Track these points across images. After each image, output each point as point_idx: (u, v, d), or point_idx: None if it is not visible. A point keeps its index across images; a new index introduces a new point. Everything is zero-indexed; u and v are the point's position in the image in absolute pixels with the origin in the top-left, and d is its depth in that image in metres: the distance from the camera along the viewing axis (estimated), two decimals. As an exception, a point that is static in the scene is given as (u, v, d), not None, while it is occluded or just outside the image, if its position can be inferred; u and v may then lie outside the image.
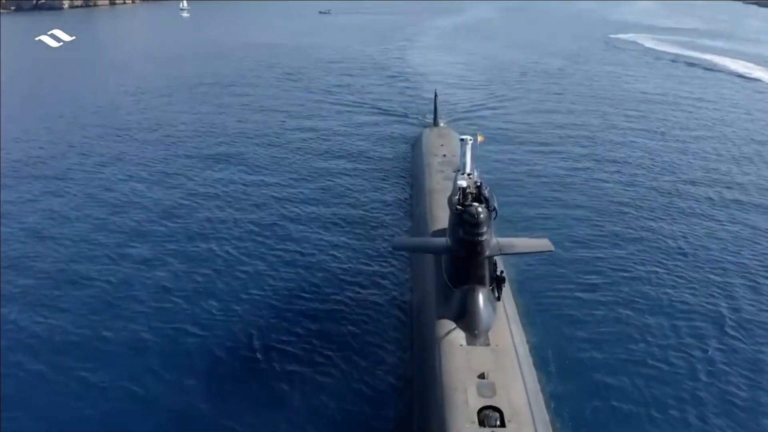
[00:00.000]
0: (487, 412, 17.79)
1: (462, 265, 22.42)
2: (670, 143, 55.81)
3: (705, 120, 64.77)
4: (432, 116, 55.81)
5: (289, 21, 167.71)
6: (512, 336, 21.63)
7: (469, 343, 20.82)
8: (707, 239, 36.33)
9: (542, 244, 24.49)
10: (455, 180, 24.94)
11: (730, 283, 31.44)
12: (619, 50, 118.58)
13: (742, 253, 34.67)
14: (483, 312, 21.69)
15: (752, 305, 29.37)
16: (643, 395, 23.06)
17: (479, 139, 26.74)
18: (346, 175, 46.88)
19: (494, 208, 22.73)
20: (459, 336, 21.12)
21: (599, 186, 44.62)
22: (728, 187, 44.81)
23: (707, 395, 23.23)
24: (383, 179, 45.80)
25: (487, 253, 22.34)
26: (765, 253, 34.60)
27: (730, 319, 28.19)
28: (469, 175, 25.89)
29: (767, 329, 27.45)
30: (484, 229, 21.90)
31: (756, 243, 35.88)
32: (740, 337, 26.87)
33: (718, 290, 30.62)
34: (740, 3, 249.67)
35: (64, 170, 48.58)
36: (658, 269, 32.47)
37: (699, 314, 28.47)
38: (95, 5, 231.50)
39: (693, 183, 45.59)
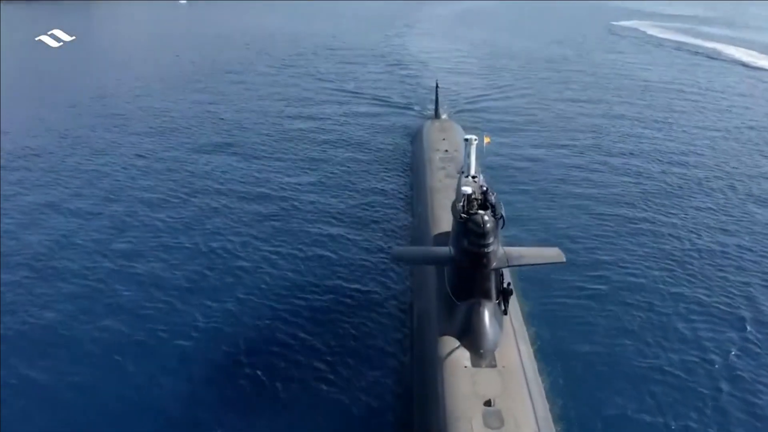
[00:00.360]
0: (494, 445, 16.29)
1: (466, 277, 20.71)
2: (678, 134, 54.47)
3: (712, 110, 63.22)
4: (433, 107, 54.05)
5: (289, 6, 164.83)
6: (520, 355, 20.04)
7: (474, 363, 19.24)
8: (722, 235, 34.93)
9: (553, 254, 22.43)
10: (458, 184, 22.92)
11: (748, 282, 29.98)
12: (621, 38, 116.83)
13: (754, 250, 33.25)
14: (489, 329, 20.06)
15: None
16: (665, 419, 21.21)
17: (486, 140, 24.68)
18: (345, 166, 45.62)
19: (501, 216, 20.88)
20: (463, 356, 19.54)
21: (606, 180, 43.24)
22: (740, 181, 43.38)
23: (732, 411, 21.63)
24: (383, 172, 44.47)
25: (494, 264, 20.58)
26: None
27: (751, 322, 26.70)
28: (473, 177, 23.72)
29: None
30: (491, 239, 20.14)
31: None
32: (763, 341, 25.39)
33: (736, 291, 29.13)
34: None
35: (59, 162, 46.99)
36: (671, 270, 30.97)
37: (718, 318, 26.97)
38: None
39: (704, 176, 44.16)
